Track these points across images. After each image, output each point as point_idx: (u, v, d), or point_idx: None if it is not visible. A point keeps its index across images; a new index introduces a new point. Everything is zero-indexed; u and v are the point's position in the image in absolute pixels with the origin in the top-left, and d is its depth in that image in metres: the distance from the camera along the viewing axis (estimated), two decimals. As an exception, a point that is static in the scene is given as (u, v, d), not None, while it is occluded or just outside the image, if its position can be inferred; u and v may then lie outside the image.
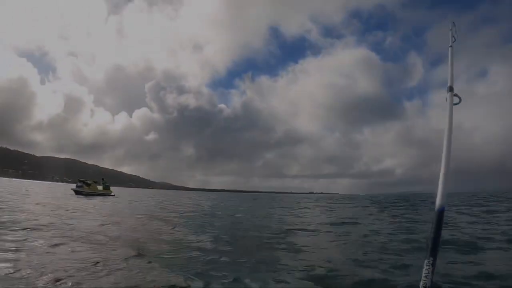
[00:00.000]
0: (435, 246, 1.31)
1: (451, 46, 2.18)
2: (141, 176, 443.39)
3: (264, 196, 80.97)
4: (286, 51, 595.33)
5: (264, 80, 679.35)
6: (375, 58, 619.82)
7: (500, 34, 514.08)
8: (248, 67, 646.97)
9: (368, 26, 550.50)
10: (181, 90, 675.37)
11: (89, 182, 33.36)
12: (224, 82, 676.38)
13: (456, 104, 1.74)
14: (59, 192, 37.84)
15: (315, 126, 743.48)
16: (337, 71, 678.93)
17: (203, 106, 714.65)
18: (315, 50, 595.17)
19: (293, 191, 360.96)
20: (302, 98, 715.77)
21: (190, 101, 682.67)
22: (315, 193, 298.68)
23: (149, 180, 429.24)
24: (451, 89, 1.80)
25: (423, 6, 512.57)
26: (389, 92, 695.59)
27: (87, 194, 30.93)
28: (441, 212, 1.38)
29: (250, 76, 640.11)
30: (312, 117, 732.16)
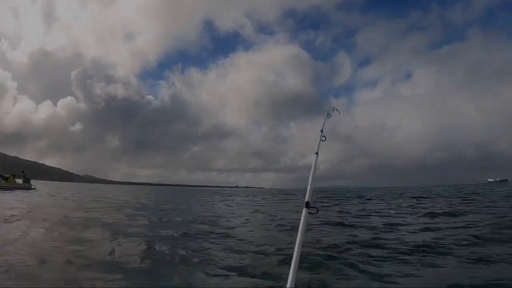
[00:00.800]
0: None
1: (316, 153, 1.76)
2: (64, 169, 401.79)
3: (191, 191, 79.28)
4: (218, 45, 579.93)
5: (194, 72, 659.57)
6: (305, 56, 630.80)
7: (426, 40, 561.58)
8: (179, 59, 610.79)
9: (301, 25, 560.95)
10: (109, 80, 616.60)
11: (6, 175, 31.17)
12: (154, 73, 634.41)
13: (312, 213, 1.69)
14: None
15: (243, 120, 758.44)
16: (267, 67, 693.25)
17: (131, 97, 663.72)
18: (247, 45, 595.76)
19: (219, 185, 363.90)
20: (231, 92, 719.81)
21: (118, 91, 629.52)
22: (240, 187, 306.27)
23: (72, 173, 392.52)
24: (307, 204, 1.70)
25: (356, 10, 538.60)
26: (317, 89, 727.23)
27: (4, 188, 28.83)
28: None
29: (180, 67, 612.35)
30: (240, 111, 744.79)
